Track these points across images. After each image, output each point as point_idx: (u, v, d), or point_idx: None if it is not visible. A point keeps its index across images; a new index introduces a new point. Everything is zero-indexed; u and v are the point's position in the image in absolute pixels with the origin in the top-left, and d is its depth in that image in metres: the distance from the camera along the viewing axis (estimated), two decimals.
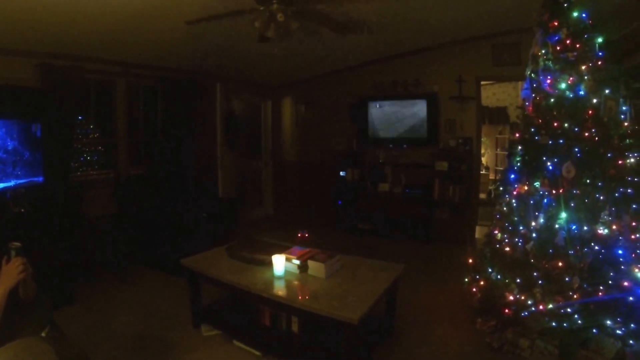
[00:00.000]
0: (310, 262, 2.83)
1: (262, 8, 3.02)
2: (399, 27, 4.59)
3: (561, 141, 2.85)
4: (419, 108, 5.72)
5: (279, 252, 2.92)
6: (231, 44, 3.95)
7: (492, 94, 8.58)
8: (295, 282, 2.75)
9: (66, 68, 3.96)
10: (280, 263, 2.81)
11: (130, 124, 5.02)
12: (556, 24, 2.95)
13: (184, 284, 3.23)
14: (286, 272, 2.84)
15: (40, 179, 3.59)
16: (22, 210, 3.35)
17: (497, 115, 8.49)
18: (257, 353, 2.79)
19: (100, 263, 4.19)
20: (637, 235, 2.69)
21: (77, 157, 4.15)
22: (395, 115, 5.95)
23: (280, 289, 2.67)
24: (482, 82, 5.75)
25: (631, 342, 2.45)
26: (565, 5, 2.96)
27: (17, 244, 1.71)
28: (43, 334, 1.82)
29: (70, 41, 3.81)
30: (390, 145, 6.13)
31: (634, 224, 2.70)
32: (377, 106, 6.11)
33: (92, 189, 4.18)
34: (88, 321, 3.23)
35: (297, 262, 2.83)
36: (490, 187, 7.84)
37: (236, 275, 2.86)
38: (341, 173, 6.43)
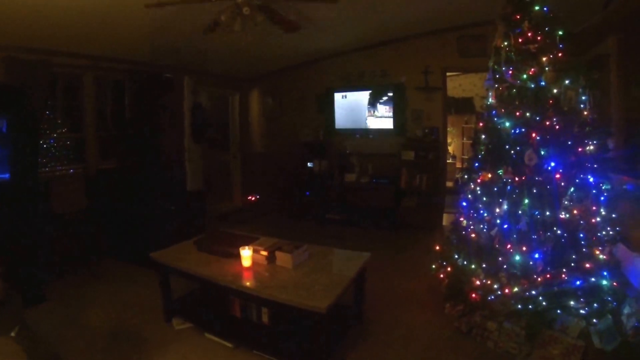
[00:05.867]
0: (277, 253, 2.72)
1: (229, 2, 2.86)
2: (366, 19, 4.48)
3: (523, 130, 2.78)
4: (386, 98, 5.60)
5: (247, 244, 2.80)
6: (198, 37, 3.74)
7: (459, 84, 8.54)
8: (264, 273, 2.63)
9: (32, 62, 3.69)
10: (248, 255, 2.69)
11: (99, 118, 4.75)
12: (518, 17, 2.88)
13: (155, 277, 3.05)
14: (254, 263, 2.73)
15: (6, 175, 3.31)
16: None
17: (464, 106, 8.44)
18: (229, 345, 2.67)
19: (71, 259, 3.95)
20: (597, 219, 2.67)
21: (45, 152, 3.88)
22: (362, 106, 5.82)
23: (248, 280, 2.55)
24: (448, 73, 5.68)
25: (594, 320, 2.44)
26: None
27: None
28: (13, 334, 1.73)
29: (37, 34, 3.56)
30: (357, 136, 6.00)
31: (594, 208, 2.68)
32: (344, 97, 5.97)
33: (61, 185, 3.92)
34: (59, 318, 3.04)
35: (265, 253, 2.72)
36: (457, 176, 7.84)
37: (205, 267, 2.72)
38: (308, 164, 6.28)
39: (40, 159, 3.80)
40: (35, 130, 3.51)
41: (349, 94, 5.92)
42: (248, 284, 2.51)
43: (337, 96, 5.99)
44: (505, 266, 2.69)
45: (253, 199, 6.86)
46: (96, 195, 4.24)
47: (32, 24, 3.35)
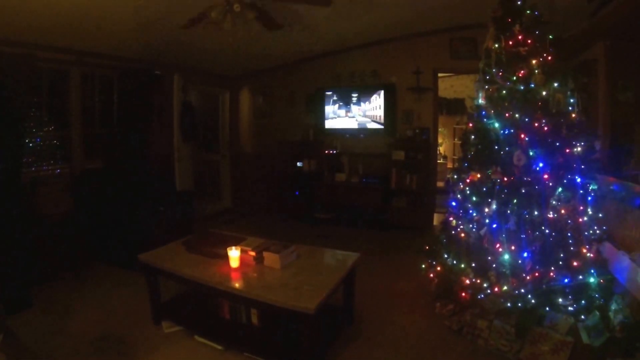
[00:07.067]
0: (265, 254, 2.68)
1: None
2: (357, 19, 4.45)
3: (512, 131, 2.78)
4: (377, 98, 5.58)
5: (236, 244, 2.74)
6: (187, 33, 3.67)
7: (450, 85, 8.57)
8: (252, 274, 2.58)
9: (16, 56, 3.53)
10: (235, 255, 2.64)
11: (85, 115, 4.60)
12: (509, 20, 2.90)
13: (143, 280, 2.97)
14: (242, 264, 2.68)
15: None
16: None
17: (455, 106, 8.49)
18: (219, 347, 2.62)
19: (57, 262, 3.80)
20: (584, 219, 2.69)
21: (30, 151, 3.74)
22: (353, 106, 5.79)
23: (236, 282, 2.50)
24: (440, 74, 5.69)
25: (582, 317, 2.46)
26: (519, 3, 2.92)
27: None
28: None
29: (21, 27, 3.43)
30: (347, 135, 5.97)
31: (581, 208, 2.69)
32: (334, 96, 5.93)
33: (46, 185, 3.80)
34: (46, 324, 2.93)
35: (253, 253, 2.68)
36: (448, 176, 7.85)
37: (193, 269, 2.66)
38: (298, 163, 6.22)
39: (25, 158, 3.67)
40: (19, 129, 3.39)
41: (339, 93, 5.89)
42: (236, 285, 2.46)
43: (328, 96, 5.95)
44: (494, 265, 2.69)
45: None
46: (83, 196, 4.11)
47: (17, 16, 3.21)
